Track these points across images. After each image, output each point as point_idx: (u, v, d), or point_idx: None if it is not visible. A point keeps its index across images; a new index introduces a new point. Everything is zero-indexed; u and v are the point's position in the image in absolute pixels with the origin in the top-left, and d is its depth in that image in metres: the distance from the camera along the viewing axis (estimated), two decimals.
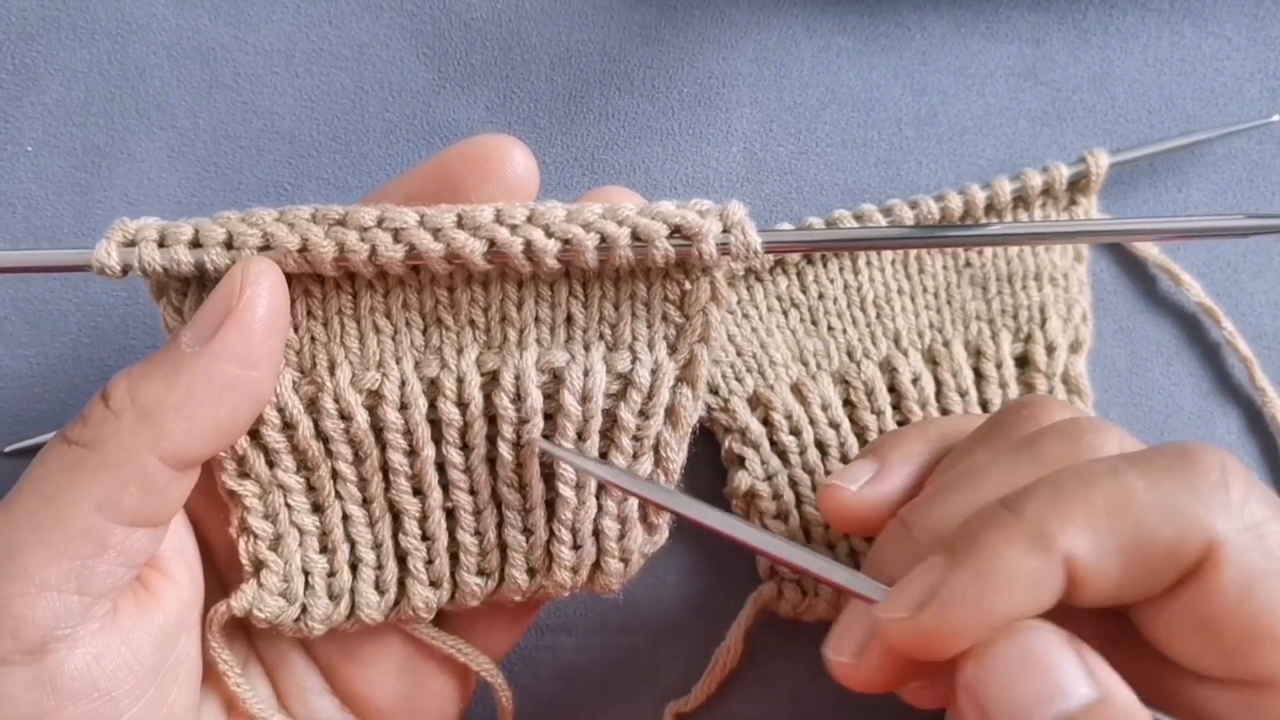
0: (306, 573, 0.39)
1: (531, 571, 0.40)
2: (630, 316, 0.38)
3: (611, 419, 0.39)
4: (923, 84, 0.51)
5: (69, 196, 0.47)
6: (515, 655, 0.47)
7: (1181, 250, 0.51)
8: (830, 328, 0.48)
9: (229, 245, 0.36)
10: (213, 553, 0.41)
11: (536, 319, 0.38)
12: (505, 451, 0.39)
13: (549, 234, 0.36)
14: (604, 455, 0.39)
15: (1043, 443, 0.34)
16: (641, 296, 0.38)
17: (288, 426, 0.38)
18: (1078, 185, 0.48)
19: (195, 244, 0.36)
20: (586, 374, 0.38)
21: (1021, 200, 0.48)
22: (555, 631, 0.48)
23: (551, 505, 0.40)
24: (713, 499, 0.48)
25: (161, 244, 0.36)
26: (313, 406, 0.38)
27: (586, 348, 0.39)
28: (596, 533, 0.40)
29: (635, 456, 0.39)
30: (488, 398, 0.39)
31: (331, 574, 0.40)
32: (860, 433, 0.47)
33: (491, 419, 0.39)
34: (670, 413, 0.39)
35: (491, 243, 0.36)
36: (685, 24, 0.50)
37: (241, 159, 0.48)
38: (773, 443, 0.47)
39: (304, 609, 0.39)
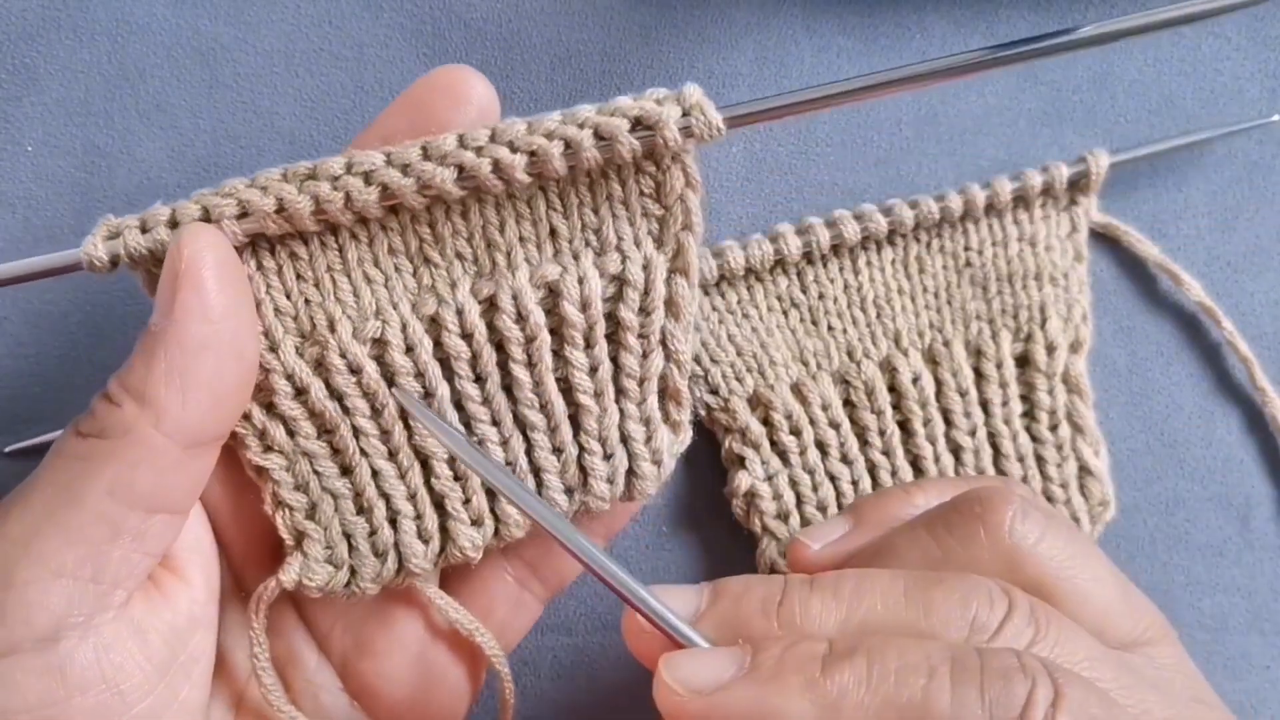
0: (348, 535, 0.39)
1: (569, 491, 0.41)
2: (611, 218, 0.39)
3: (615, 322, 0.39)
4: None
5: (69, 196, 0.47)
6: (515, 655, 0.47)
7: (1181, 250, 0.51)
8: (830, 328, 0.48)
9: (206, 218, 0.36)
10: (228, 550, 0.41)
11: (521, 238, 0.39)
12: (519, 373, 0.39)
13: (514, 149, 0.37)
14: (614, 360, 0.40)
15: (936, 597, 0.33)
16: (619, 196, 0.39)
17: (300, 392, 0.38)
18: (1078, 185, 0.48)
19: (174, 224, 0.36)
20: (581, 281, 0.39)
21: (1021, 200, 0.48)
22: (555, 631, 0.48)
23: (575, 419, 0.40)
24: (713, 499, 0.48)
25: (144, 230, 0.36)
26: (320, 367, 0.38)
27: (575, 257, 0.39)
28: (624, 439, 0.40)
29: (645, 355, 0.40)
30: (490, 325, 0.39)
31: (373, 532, 0.40)
32: (860, 433, 0.47)
33: (498, 346, 0.39)
34: (670, 305, 0.40)
35: (460, 168, 0.36)
36: (685, 24, 0.50)
37: (241, 159, 0.48)
38: (773, 443, 0.47)
39: (353, 571, 0.39)
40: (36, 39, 0.48)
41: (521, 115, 0.46)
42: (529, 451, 0.40)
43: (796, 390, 0.47)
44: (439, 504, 0.40)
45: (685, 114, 0.37)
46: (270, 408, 0.38)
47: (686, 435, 0.42)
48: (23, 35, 0.47)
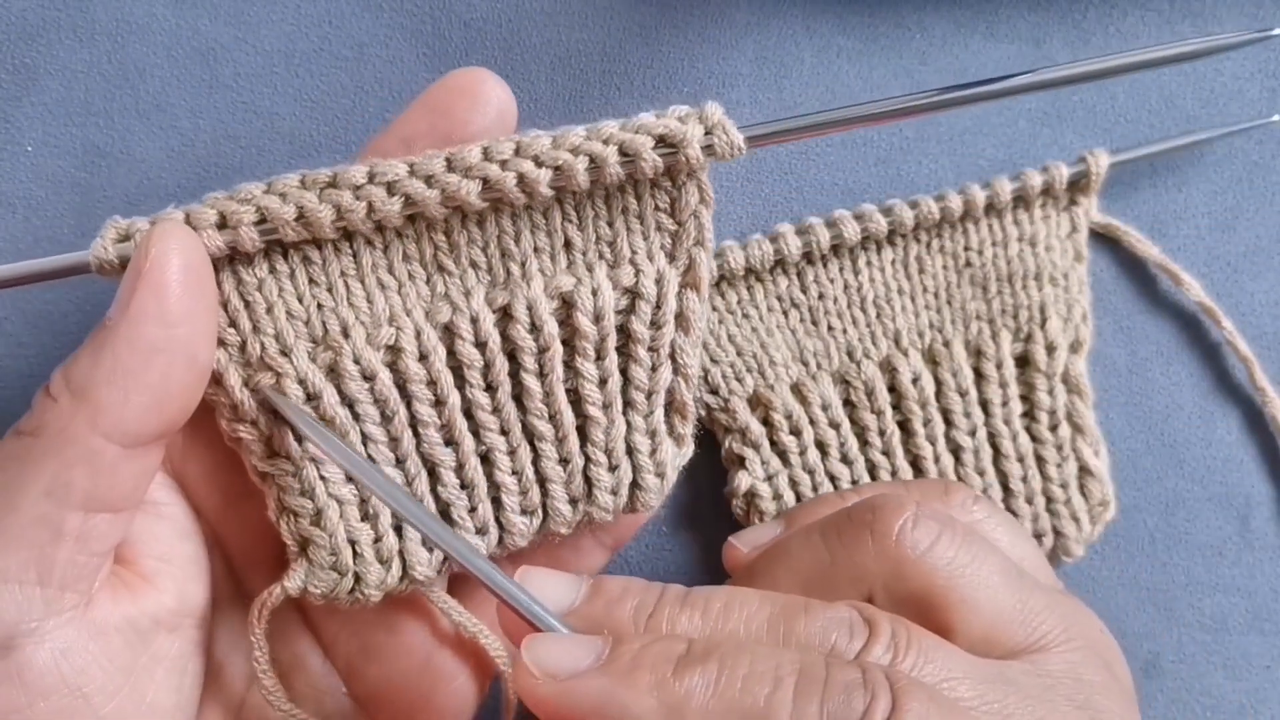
0: (353, 542, 0.39)
1: (573, 501, 0.41)
2: (626, 231, 0.39)
3: (625, 335, 0.40)
4: (923, 84, 0.51)
5: (69, 196, 0.47)
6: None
7: (1181, 250, 0.51)
8: (830, 328, 0.48)
9: (222, 225, 0.36)
10: (229, 552, 0.41)
11: (536, 249, 0.39)
12: (530, 383, 0.39)
13: (539, 164, 0.37)
14: (623, 371, 0.40)
15: (798, 625, 0.34)
16: (634, 210, 0.39)
17: (311, 398, 0.38)
18: (1078, 185, 0.48)
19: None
20: (595, 293, 0.39)
21: (1021, 200, 0.48)
22: None
23: (583, 430, 0.40)
24: (713, 499, 0.48)
25: None
26: (332, 373, 0.38)
27: (589, 269, 0.39)
28: (630, 451, 0.41)
29: (654, 368, 0.40)
30: (503, 334, 0.39)
31: (378, 539, 0.39)
32: (860, 433, 0.47)
33: (510, 355, 0.39)
34: (680, 319, 0.40)
35: (485, 181, 0.36)
36: (685, 24, 0.50)
37: (241, 159, 0.48)
38: (773, 443, 0.47)
39: (357, 578, 0.39)
40: (36, 39, 0.47)
41: (521, 116, 0.46)
42: (536, 461, 0.40)
43: (796, 390, 0.47)
44: (444, 511, 0.40)
45: (708, 132, 0.37)
46: (277, 413, 0.38)
47: (689, 449, 0.42)
48: (23, 35, 0.47)
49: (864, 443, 0.47)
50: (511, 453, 0.40)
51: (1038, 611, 0.37)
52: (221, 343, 0.37)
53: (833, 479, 0.47)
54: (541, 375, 0.39)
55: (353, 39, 0.49)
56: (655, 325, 0.40)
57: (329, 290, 0.38)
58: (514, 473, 0.40)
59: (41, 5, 0.48)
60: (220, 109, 0.48)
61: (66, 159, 0.47)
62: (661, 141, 0.37)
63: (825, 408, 0.47)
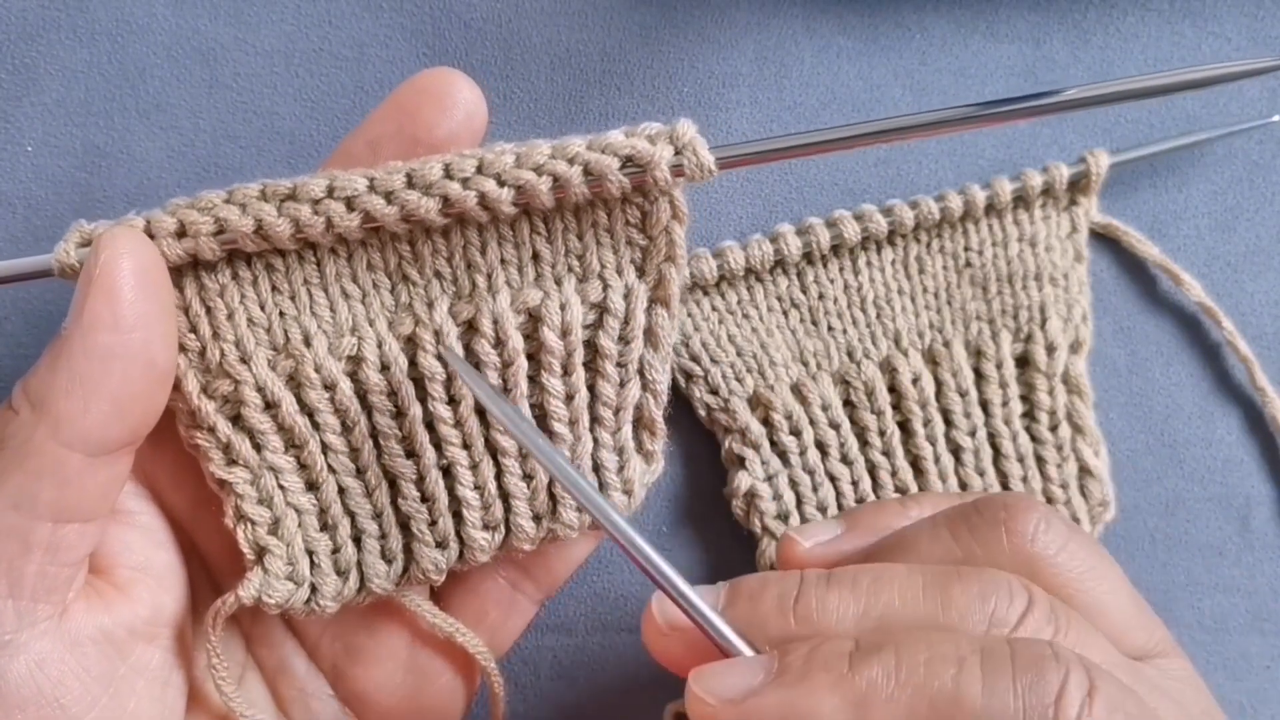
0: (310, 552, 0.39)
1: (537, 518, 0.40)
2: (596, 245, 0.38)
3: (593, 350, 0.39)
4: (923, 84, 0.51)
5: (69, 196, 0.47)
6: (515, 655, 0.47)
7: (1181, 250, 0.51)
8: (830, 328, 0.48)
9: (181, 234, 0.36)
10: (206, 559, 0.41)
11: (503, 261, 0.38)
12: None
13: (501, 183, 0.36)
14: (590, 388, 0.40)
15: (955, 591, 0.33)
16: (604, 224, 0.38)
17: (270, 406, 0.38)
18: (1078, 185, 0.48)
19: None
20: (563, 308, 0.38)
21: (1021, 200, 0.48)
22: (555, 631, 0.48)
23: None
24: (713, 500, 0.48)
25: None
26: (292, 381, 0.38)
27: (558, 282, 0.38)
28: (596, 467, 0.40)
29: (622, 384, 0.40)
30: (467, 347, 0.38)
31: (336, 550, 0.39)
32: (860, 433, 0.47)
33: (474, 368, 0.39)
34: (649, 334, 0.39)
35: (445, 199, 0.36)
36: (685, 24, 0.50)
37: (241, 159, 0.48)
38: (773, 443, 0.47)
39: (313, 589, 0.39)
40: (36, 39, 0.47)
41: (521, 116, 0.46)
42: (499, 477, 0.40)
43: (796, 390, 0.47)
44: (404, 524, 0.40)
45: (678, 153, 0.36)
46: (237, 420, 0.38)
47: (659, 465, 0.42)
48: (23, 35, 0.47)
49: (864, 443, 0.47)
50: (473, 467, 0.39)
51: (1152, 619, 0.37)
52: (181, 348, 0.37)
53: (833, 479, 0.47)
54: (505, 390, 0.39)
55: (353, 39, 0.49)
56: (623, 341, 0.39)
57: (291, 298, 0.38)
58: (476, 487, 0.40)
59: (41, 5, 0.48)
60: (220, 109, 0.48)
61: (66, 159, 0.47)
62: (629, 162, 0.36)
63: (825, 408, 0.47)
